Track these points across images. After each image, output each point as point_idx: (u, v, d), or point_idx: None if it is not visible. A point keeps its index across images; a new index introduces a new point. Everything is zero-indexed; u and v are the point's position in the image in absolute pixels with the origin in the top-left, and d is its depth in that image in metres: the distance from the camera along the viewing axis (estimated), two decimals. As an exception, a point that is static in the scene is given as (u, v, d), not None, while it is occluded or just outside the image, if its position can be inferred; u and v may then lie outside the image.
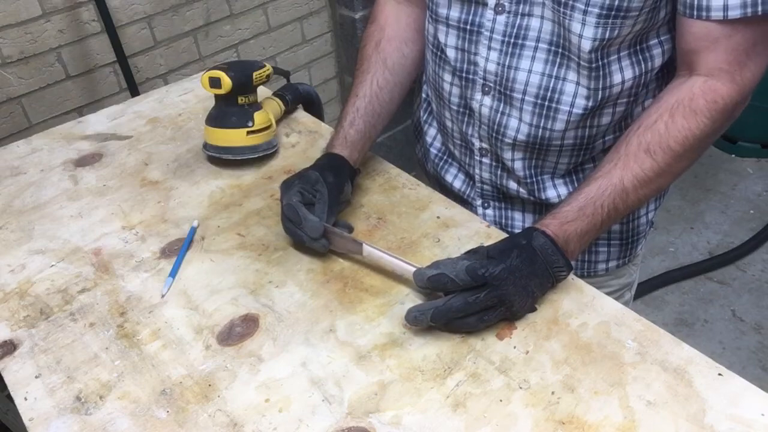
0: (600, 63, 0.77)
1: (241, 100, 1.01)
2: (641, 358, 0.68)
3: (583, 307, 0.75)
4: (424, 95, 1.03)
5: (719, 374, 0.66)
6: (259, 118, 1.02)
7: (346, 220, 0.90)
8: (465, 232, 0.87)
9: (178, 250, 0.87)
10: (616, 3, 0.71)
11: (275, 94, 1.15)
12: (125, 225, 0.93)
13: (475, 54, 0.84)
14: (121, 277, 0.84)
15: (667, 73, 0.82)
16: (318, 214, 0.82)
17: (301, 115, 1.18)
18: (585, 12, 0.73)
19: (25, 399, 0.69)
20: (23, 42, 1.49)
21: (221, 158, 1.02)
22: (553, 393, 0.65)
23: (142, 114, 1.20)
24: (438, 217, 0.90)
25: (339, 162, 0.89)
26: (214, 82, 0.98)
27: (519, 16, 0.79)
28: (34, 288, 0.83)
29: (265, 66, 1.05)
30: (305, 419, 0.65)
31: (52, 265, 0.86)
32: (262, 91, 1.15)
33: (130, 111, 1.21)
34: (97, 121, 1.19)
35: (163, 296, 0.80)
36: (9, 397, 0.70)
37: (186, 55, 1.80)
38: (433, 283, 0.71)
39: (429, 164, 1.05)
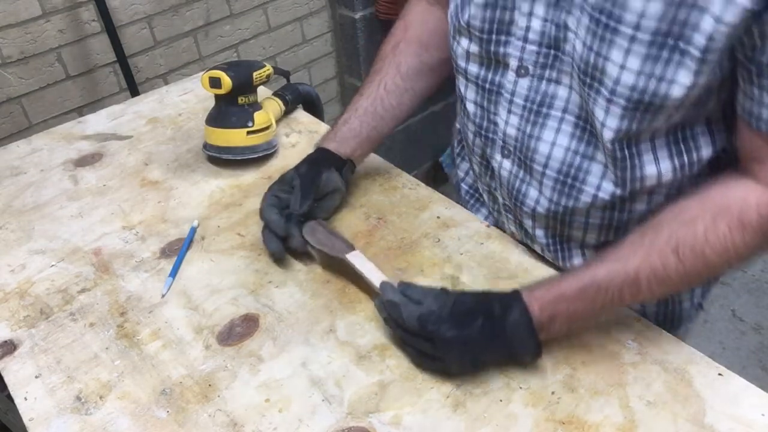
0: (627, 153, 0.67)
1: (241, 100, 1.01)
2: (641, 358, 0.68)
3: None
4: (458, 125, 0.93)
5: (719, 374, 0.66)
6: (259, 118, 1.02)
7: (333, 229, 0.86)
8: (465, 231, 0.87)
9: (178, 250, 0.87)
10: (647, 98, 0.60)
11: (275, 94, 1.15)
12: (125, 225, 0.93)
13: (495, 114, 0.76)
14: (121, 277, 0.84)
15: (719, 161, 0.70)
16: (293, 205, 0.81)
17: (301, 115, 1.18)
18: (609, 101, 0.63)
19: (25, 399, 0.69)
20: (23, 42, 1.49)
21: (221, 158, 1.02)
22: (553, 393, 0.65)
23: (142, 114, 1.20)
24: (438, 217, 0.90)
25: (319, 154, 0.88)
26: (214, 82, 0.98)
27: (544, 82, 0.69)
28: (34, 288, 0.83)
29: (265, 66, 1.05)
30: (305, 419, 0.65)
31: (52, 265, 0.86)
32: (262, 91, 1.15)
33: (130, 111, 1.21)
34: (97, 121, 1.19)
35: (163, 296, 0.80)
36: (9, 397, 0.70)
37: (186, 55, 1.80)
38: (387, 308, 0.69)
39: (460, 198, 0.99)
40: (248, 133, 1.01)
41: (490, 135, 0.78)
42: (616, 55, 0.60)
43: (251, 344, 0.73)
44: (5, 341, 0.76)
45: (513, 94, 0.73)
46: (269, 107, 1.08)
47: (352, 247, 0.80)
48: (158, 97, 1.26)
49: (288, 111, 1.16)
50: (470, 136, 0.83)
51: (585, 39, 0.62)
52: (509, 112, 0.74)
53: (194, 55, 1.82)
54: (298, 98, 1.18)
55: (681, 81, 0.58)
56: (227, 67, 0.99)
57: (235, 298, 0.79)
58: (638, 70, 0.59)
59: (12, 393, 0.70)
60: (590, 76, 0.63)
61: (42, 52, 1.53)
